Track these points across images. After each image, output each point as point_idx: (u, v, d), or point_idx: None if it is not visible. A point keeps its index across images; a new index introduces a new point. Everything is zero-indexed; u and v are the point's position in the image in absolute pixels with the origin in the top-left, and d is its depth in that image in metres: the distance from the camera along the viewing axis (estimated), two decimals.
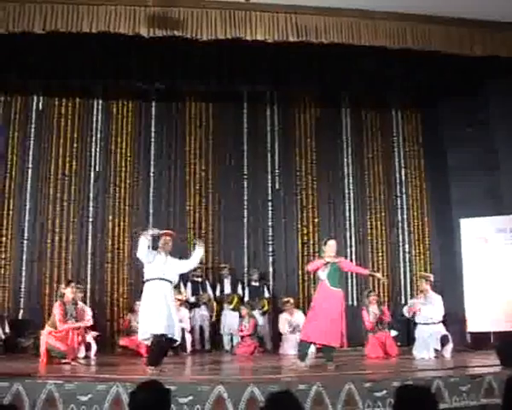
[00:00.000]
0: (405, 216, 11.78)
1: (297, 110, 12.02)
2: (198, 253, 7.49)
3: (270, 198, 11.63)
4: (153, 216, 11.23)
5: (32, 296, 10.60)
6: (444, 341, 8.63)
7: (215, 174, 11.60)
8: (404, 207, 11.81)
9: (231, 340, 10.52)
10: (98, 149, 11.33)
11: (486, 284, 10.15)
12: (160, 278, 7.05)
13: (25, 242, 10.82)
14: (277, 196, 11.66)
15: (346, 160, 11.90)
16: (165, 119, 11.64)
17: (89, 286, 10.77)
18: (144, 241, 7.10)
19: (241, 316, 10.30)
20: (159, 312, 6.88)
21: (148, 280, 7.13)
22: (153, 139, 11.53)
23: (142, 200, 11.31)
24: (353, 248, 11.59)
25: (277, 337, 10.46)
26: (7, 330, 9.72)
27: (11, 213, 10.88)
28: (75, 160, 11.23)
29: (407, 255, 11.63)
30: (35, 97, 11.26)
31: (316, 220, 11.63)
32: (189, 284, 10.59)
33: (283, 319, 10.17)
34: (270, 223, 11.54)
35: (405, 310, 9.30)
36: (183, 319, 9.79)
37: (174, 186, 11.47)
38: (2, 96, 11.14)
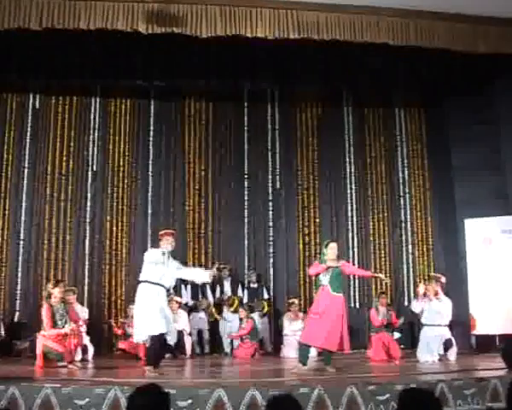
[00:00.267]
0: (408, 216, 11.76)
1: (298, 108, 12.00)
2: (201, 276, 7.60)
3: (270, 198, 11.61)
4: (151, 216, 11.21)
5: (28, 298, 10.57)
6: (447, 345, 8.62)
7: (215, 174, 11.59)
8: (408, 207, 11.80)
9: (231, 343, 10.51)
10: (95, 148, 11.30)
11: (491, 286, 10.15)
12: (157, 283, 7.10)
13: (21, 242, 10.80)
14: (278, 195, 11.65)
15: (348, 159, 11.88)
16: (164, 117, 11.62)
17: (86, 288, 10.76)
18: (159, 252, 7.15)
19: (240, 318, 10.30)
20: (156, 313, 6.95)
21: (143, 281, 7.14)
22: (151, 138, 11.51)
23: (140, 200, 11.29)
24: (355, 249, 11.58)
25: (278, 340, 10.46)
26: (2, 332, 9.71)
27: (7, 213, 10.87)
28: (72, 159, 11.21)
29: (410, 256, 11.61)
30: (31, 95, 11.23)
31: (317, 220, 11.62)
32: (188, 287, 10.58)
33: (286, 320, 10.16)
34: (270, 223, 11.53)
35: (413, 305, 9.24)
36: (182, 321, 9.81)
37: (173, 186, 11.45)
38: None
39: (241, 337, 10.08)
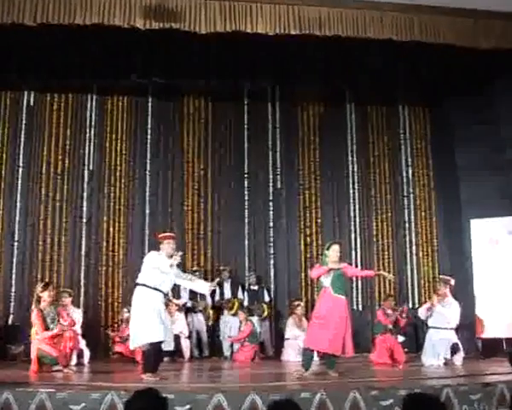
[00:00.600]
0: (412, 217, 11.76)
1: (300, 107, 12.00)
2: (200, 286, 7.62)
3: (271, 198, 11.60)
4: (149, 217, 11.19)
5: (23, 301, 10.53)
6: (454, 349, 8.59)
7: (214, 173, 11.58)
8: (412, 207, 11.79)
9: (231, 346, 10.49)
10: (92, 147, 11.29)
11: (498, 288, 10.13)
12: (155, 288, 7.08)
13: (15, 243, 10.78)
14: (279, 195, 11.63)
15: (350, 158, 11.88)
16: (163, 115, 11.61)
17: (82, 290, 10.74)
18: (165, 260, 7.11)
19: (240, 321, 10.28)
20: (154, 319, 6.92)
21: (141, 285, 7.12)
22: (149, 136, 11.49)
23: (138, 200, 11.28)
24: (358, 251, 11.58)
25: (279, 343, 10.44)
26: None
27: (1, 213, 10.85)
28: (68, 158, 11.19)
29: (414, 258, 11.60)
30: (26, 92, 11.21)
31: (319, 221, 11.60)
32: (187, 289, 10.55)
33: (290, 324, 10.14)
34: (271, 224, 11.52)
35: (421, 311, 9.23)
36: (180, 324, 9.79)
37: (172, 186, 11.44)
38: None
39: (239, 341, 10.06)
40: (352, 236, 11.60)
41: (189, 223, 11.30)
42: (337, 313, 7.23)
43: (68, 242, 10.93)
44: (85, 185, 11.18)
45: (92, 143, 11.31)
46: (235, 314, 10.45)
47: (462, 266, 10.74)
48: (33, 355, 7.73)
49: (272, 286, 11.29)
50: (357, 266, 11.04)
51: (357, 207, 11.73)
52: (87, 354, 9.00)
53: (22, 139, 11.07)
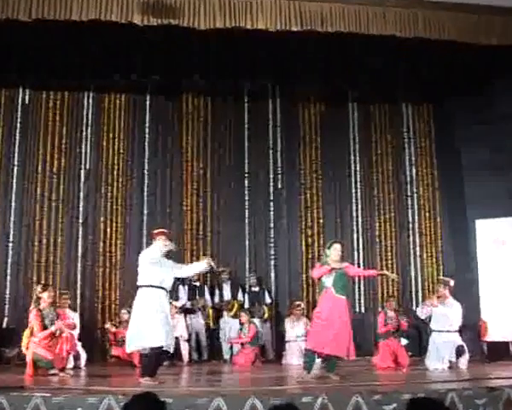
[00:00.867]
0: (416, 217, 11.75)
1: (301, 105, 12.00)
2: (199, 266, 7.55)
3: (272, 198, 11.60)
4: (147, 217, 11.19)
5: (18, 303, 10.54)
6: (459, 352, 8.58)
7: (214, 173, 11.58)
8: (415, 207, 11.79)
9: (231, 349, 10.48)
10: (89, 146, 11.28)
11: (504, 290, 10.11)
12: (157, 286, 7.04)
13: (10, 244, 10.76)
14: (280, 195, 11.63)
15: (352, 157, 11.88)
16: (161, 113, 11.61)
17: (78, 291, 10.74)
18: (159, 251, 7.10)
19: (241, 323, 10.28)
20: (158, 322, 6.87)
21: (142, 286, 7.10)
22: (147, 135, 11.49)
23: (135, 200, 11.27)
24: (360, 251, 11.58)
25: (280, 346, 10.43)
26: None
27: None
28: (64, 157, 11.18)
29: (418, 259, 11.60)
30: (21, 90, 11.21)
31: (321, 221, 11.60)
32: (186, 289, 10.56)
33: (288, 323, 10.14)
34: (272, 224, 11.52)
35: (419, 310, 9.23)
36: (179, 327, 9.78)
37: (170, 185, 11.44)
38: None
39: (241, 343, 10.06)
40: (355, 236, 11.60)
41: (189, 223, 11.29)
42: (339, 315, 7.21)
43: (64, 242, 10.92)
44: (82, 185, 11.17)
45: (89, 142, 11.30)
46: (234, 316, 10.46)
47: (467, 268, 10.74)
48: (28, 359, 7.72)
49: (273, 288, 11.29)
50: (359, 267, 11.03)
51: (359, 207, 11.73)
52: (84, 357, 9.01)
53: (17, 138, 11.07)
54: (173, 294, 9.96)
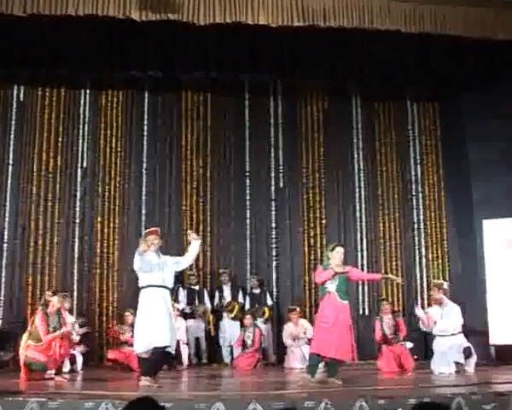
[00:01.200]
0: (422, 217, 11.73)
1: (303, 102, 11.97)
2: (194, 247, 7.49)
3: (273, 197, 11.59)
4: (145, 217, 11.18)
5: (13, 305, 10.55)
6: (467, 353, 8.55)
7: (214, 172, 11.56)
8: (421, 207, 11.77)
9: (231, 352, 10.48)
10: (85, 144, 11.27)
11: None
12: (159, 286, 7.06)
13: (4, 245, 10.75)
14: (282, 195, 11.61)
15: (356, 155, 11.87)
16: (160, 110, 11.59)
17: (75, 294, 10.71)
18: (137, 256, 7.09)
19: (242, 326, 10.27)
20: (161, 322, 6.91)
21: (145, 287, 7.11)
22: (145, 133, 11.48)
23: (133, 199, 11.26)
24: (364, 252, 11.56)
25: (282, 349, 10.42)
26: None
27: None
28: (60, 155, 11.17)
29: (423, 260, 11.58)
30: (15, 87, 11.19)
31: (323, 222, 11.58)
32: (184, 293, 10.56)
33: (287, 330, 10.14)
34: (273, 224, 11.50)
35: (420, 323, 9.19)
36: (180, 330, 9.78)
37: (169, 185, 11.43)
38: None
39: (242, 348, 10.05)
40: (358, 237, 11.58)
41: (188, 224, 11.25)
42: (343, 319, 7.20)
43: (60, 243, 10.90)
44: (78, 184, 11.16)
45: (86, 140, 11.29)
46: (234, 318, 10.44)
47: (474, 269, 10.72)
48: (21, 362, 7.71)
49: (274, 290, 11.27)
50: (362, 270, 11.01)
51: (363, 207, 11.71)
52: (80, 360, 9.00)
53: (12, 136, 11.05)
54: (173, 296, 9.96)
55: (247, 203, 11.52)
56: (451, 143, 11.67)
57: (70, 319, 9.15)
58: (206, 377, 8.93)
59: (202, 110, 11.73)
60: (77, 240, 10.97)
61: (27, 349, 7.72)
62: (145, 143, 11.45)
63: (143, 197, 11.29)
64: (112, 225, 11.11)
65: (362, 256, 11.52)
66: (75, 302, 10.59)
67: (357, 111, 12.03)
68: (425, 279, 11.47)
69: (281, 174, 11.66)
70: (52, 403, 5.54)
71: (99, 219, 11.09)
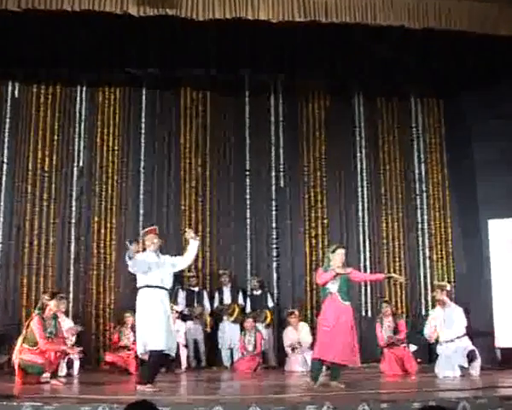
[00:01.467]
0: (425, 217, 11.72)
1: (304, 100, 11.96)
2: (193, 247, 7.48)
3: (274, 197, 11.58)
4: (143, 217, 11.16)
5: (8, 308, 10.53)
6: (471, 356, 8.54)
7: (213, 171, 11.55)
8: (425, 206, 11.76)
9: (231, 355, 10.47)
10: (82, 143, 11.26)
11: None
12: (157, 286, 7.05)
13: None
14: (282, 194, 11.60)
15: (359, 154, 11.85)
16: (158, 108, 11.58)
17: (71, 295, 10.71)
18: (128, 261, 7.07)
19: (242, 329, 10.26)
20: (158, 325, 6.89)
21: (142, 287, 7.10)
22: (143, 131, 11.48)
23: (131, 199, 11.25)
24: (367, 253, 11.55)
25: (282, 353, 10.41)
26: None
27: None
28: (56, 154, 11.17)
29: (427, 261, 11.56)
30: (10, 83, 11.19)
31: (325, 221, 11.57)
32: (183, 294, 10.55)
33: (286, 336, 10.13)
34: (274, 224, 11.49)
35: (427, 335, 9.12)
36: (178, 332, 9.77)
37: (167, 184, 11.42)
38: None
39: (242, 353, 10.05)
40: (361, 237, 11.57)
41: (187, 224, 11.23)
42: (346, 322, 7.19)
43: (56, 244, 10.90)
44: (74, 184, 11.15)
45: (82, 138, 11.28)
46: (235, 321, 10.43)
47: (479, 270, 10.71)
48: (16, 366, 7.69)
49: (275, 291, 11.26)
50: (365, 270, 11.02)
51: (365, 206, 11.69)
52: (76, 363, 8.98)
53: (6, 133, 11.04)
54: (172, 297, 9.95)
55: (248, 203, 11.50)
56: (456, 142, 11.66)
57: (66, 321, 9.15)
58: (205, 381, 8.92)
59: (201, 108, 11.71)
60: (73, 240, 10.97)
61: (22, 353, 7.69)
62: (143, 141, 11.44)
63: (141, 197, 11.28)
64: (109, 225, 11.10)
65: (364, 257, 11.51)
66: (71, 304, 10.60)
67: (359, 109, 12.03)
68: (429, 280, 11.44)
69: (281, 173, 11.65)
70: (48, 407, 5.55)
71: (96, 219, 11.08)
